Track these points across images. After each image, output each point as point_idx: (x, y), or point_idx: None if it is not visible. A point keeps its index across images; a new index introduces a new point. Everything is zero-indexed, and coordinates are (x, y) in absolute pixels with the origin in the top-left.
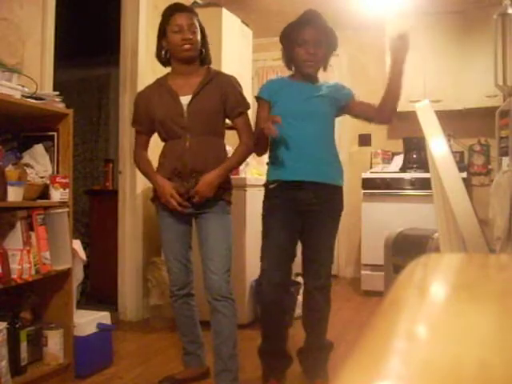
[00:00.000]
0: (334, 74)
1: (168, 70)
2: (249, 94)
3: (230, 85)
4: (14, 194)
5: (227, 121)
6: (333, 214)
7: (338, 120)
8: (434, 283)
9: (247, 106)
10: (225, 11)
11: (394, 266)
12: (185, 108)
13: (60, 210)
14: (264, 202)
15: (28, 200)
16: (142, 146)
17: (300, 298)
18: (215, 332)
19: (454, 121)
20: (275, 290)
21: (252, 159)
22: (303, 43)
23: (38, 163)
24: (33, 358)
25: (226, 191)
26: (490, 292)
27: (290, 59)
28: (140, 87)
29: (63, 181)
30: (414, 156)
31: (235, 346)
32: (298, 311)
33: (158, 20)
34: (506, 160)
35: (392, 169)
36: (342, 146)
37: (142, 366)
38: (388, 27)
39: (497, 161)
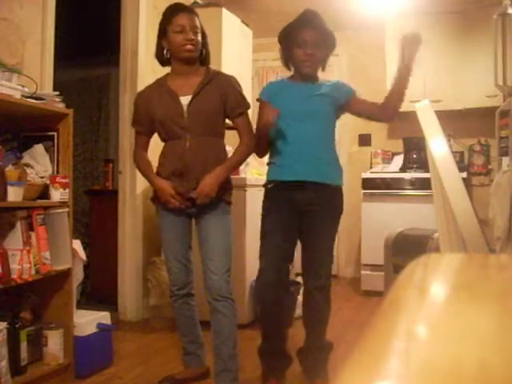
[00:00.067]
0: (334, 74)
1: (167, 69)
2: (249, 93)
3: (230, 85)
4: (14, 194)
5: (227, 121)
6: (332, 214)
7: (338, 120)
8: (434, 283)
9: (247, 106)
10: (225, 11)
11: (394, 266)
12: (185, 108)
13: (60, 210)
14: (263, 201)
15: (28, 200)
16: (141, 146)
17: (300, 298)
18: (215, 332)
19: (454, 121)
20: (271, 289)
21: (252, 159)
22: (302, 43)
23: (38, 163)
24: (33, 357)
25: (226, 191)
26: (490, 292)
27: (288, 59)
28: (140, 87)
29: (63, 181)
30: (414, 156)
31: (235, 346)
32: (298, 311)
33: (158, 20)
34: (506, 160)
35: (392, 169)
36: (342, 145)
37: (141, 365)
38: (388, 27)
39: (497, 161)
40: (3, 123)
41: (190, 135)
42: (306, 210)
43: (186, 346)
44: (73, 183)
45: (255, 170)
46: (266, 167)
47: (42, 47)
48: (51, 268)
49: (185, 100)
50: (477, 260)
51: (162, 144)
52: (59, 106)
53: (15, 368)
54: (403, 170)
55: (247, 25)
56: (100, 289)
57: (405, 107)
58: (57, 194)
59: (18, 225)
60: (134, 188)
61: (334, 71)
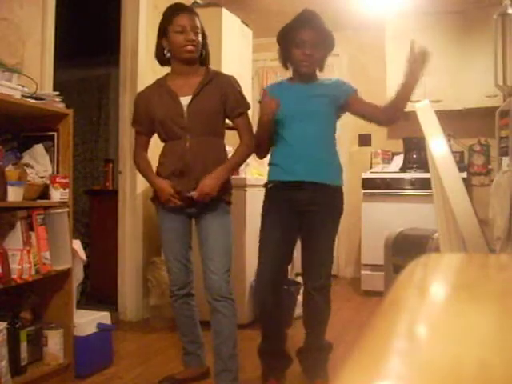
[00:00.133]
0: (334, 74)
1: (167, 69)
2: (249, 94)
3: (230, 85)
4: (14, 194)
5: (227, 121)
6: (332, 215)
7: (339, 119)
8: (434, 283)
9: (247, 106)
10: (225, 11)
11: (394, 265)
12: (185, 108)
13: (60, 210)
14: (263, 202)
15: (28, 200)
16: (141, 146)
17: (300, 298)
18: (215, 332)
19: (454, 121)
20: (270, 289)
21: (252, 160)
22: (300, 44)
23: (38, 163)
24: (33, 357)
25: (225, 192)
26: (490, 292)
27: (286, 59)
28: (140, 87)
29: (63, 181)
30: (414, 156)
31: (235, 346)
32: (298, 311)
33: (158, 20)
34: (506, 160)
35: (392, 169)
36: (342, 145)
37: (142, 365)
38: (388, 27)
39: (497, 161)
40: (3, 123)
41: (189, 135)
42: (305, 210)
43: (186, 346)
44: (73, 183)
45: (255, 170)
46: (266, 167)
47: (42, 47)
48: (51, 268)
49: (185, 100)
50: (477, 260)
51: (162, 144)
52: (59, 105)
53: (15, 368)
54: (403, 169)
55: (247, 25)
56: (100, 289)
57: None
58: (57, 194)
59: (18, 225)
60: (134, 188)
61: (334, 71)
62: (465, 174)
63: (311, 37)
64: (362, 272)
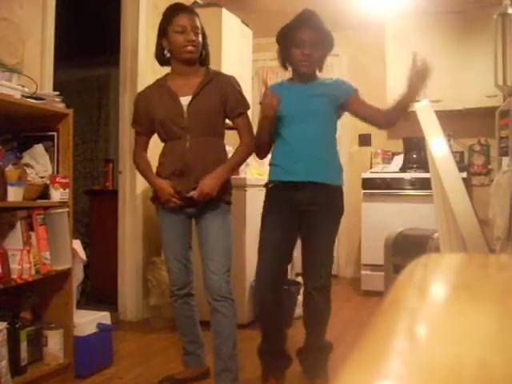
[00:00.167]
0: (334, 74)
1: (167, 69)
2: (249, 94)
3: (230, 85)
4: (14, 194)
5: (227, 121)
6: (333, 215)
7: (339, 119)
8: (434, 283)
9: (247, 106)
10: (225, 11)
11: (394, 265)
12: (185, 109)
13: (60, 210)
14: (264, 201)
15: (28, 200)
16: (141, 146)
17: (300, 298)
18: (215, 332)
19: (454, 121)
20: (268, 287)
21: (252, 159)
22: (300, 44)
23: (38, 163)
24: (33, 358)
25: (225, 192)
26: (490, 292)
27: (285, 59)
28: (140, 87)
29: (63, 181)
30: (414, 156)
31: (235, 346)
32: (298, 311)
33: (158, 20)
34: (506, 160)
35: (392, 169)
36: (342, 145)
37: (142, 365)
38: (388, 27)
39: (497, 161)
40: (3, 123)
41: (189, 135)
42: (305, 210)
43: (186, 346)
44: (73, 183)
45: (255, 170)
46: (266, 167)
47: (42, 47)
48: (51, 268)
49: (185, 100)
50: (477, 260)
51: (162, 144)
52: (59, 105)
53: (15, 368)
54: (403, 169)
55: (247, 25)
56: (100, 289)
57: None
58: (57, 194)
59: (18, 225)
60: (134, 188)
61: (334, 71)
62: (465, 174)
63: (310, 37)
64: (362, 272)
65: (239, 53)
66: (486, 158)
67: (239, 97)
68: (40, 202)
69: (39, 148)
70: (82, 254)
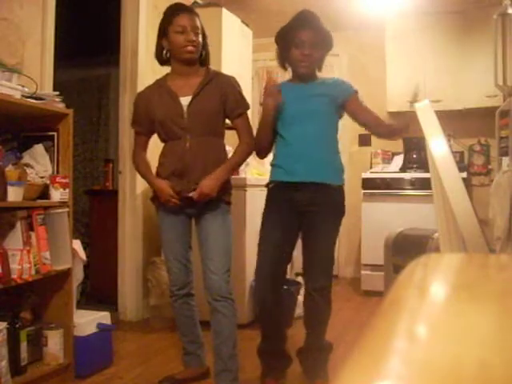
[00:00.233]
0: (334, 74)
1: (167, 69)
2: (249, 94)
3: (230, 85)
4: (14, 194)
5: (227, 121)
6: (333, 215)
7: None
8: (434, 283)
9: (247, 107)
10: (225, 11)
11: (394, 266)
12: (185, 109)
13: (60, 210)
14: (265, 201)
15: (28, 200)
16: (141, 146)
17: (300, 298)
18: (215, 332)
19: (454, 121)
20: (268, 286)
21: (252, 159)
22: (299, 44)
23: (38, 163)
24: (33, 357)
25: (225, 192)
26: (490, 292)
27: (284, 59)
28: (140, 87)
29: (63, 181)
30: (414, 156)
31: (235, 346)
32: (298, 311)
33: (158, 20)
34: (506, 160)
35: (392, 169)
36: (342, 145)
37: (142, 365)
38: (388, 27)
39: (497, 161)
40: (3, 123)
41: (189, 136)
42: (306, 210)
43: (186, 346)
44: (73, 183)
45: (255, 170)
46: (266, 167)
47: (42, 47)
48: (51, 268)
49: (185, 100)
50: (477, 260)
51: (162, 144)
52: (59, 105)
53: (15, 368)
54: (403, 170)
55: (247, 25)
56: (100, 289)
57: (405, 107)
58: (57, 194)
59: (18, 225)
60: (133, 188)
61: (334, 71)
62: (465, 174)
63: (310, 37)
64: (362, 272)
65: (239, 53)
66: (486, 157)
67: (239, 97)
68: (40, 202)
69: (39, 148)
70: (82, 254)
